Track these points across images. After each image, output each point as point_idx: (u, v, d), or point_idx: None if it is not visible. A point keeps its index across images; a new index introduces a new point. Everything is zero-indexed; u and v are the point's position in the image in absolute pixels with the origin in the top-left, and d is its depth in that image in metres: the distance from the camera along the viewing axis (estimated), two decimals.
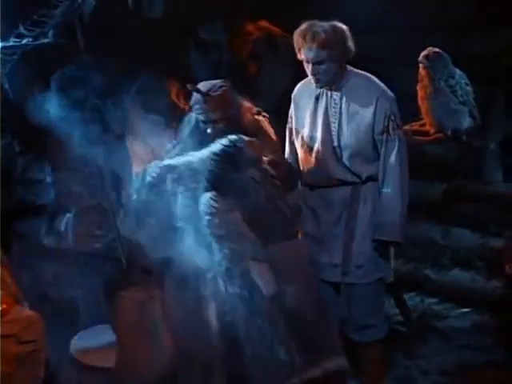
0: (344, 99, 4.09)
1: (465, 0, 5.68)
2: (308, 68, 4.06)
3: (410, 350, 4.84)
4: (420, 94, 4.76)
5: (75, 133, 4.81)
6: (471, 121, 4.81)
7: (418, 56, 4.82)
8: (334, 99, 4.11)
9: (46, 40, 4.71)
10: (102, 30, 4.81)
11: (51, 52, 4.69)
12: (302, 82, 4.28)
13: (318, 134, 4.14)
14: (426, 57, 4.70)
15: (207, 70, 5.09)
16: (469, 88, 4.82)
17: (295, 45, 4.07)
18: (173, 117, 5.09)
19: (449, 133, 4.76)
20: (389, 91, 4.12)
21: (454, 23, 5.68)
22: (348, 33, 4.07)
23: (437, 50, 4.73)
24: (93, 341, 4.30)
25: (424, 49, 4.94)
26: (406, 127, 4.63)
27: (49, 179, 4.84)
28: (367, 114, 4.05)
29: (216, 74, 4.98)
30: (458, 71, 4.75)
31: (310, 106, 4.18)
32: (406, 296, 5.28)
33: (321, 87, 4.12)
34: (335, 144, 4.10)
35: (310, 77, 4.15)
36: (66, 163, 4.87)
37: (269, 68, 5.44)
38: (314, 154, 4.16)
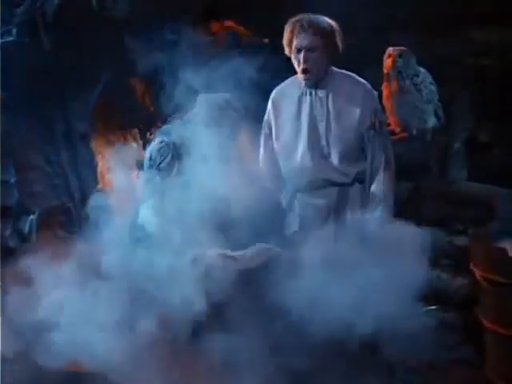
0: (330, 97, 4.07)
1: (428, 0, 5.71)
2: (298, 58, 4.02)
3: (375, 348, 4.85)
4: (385, 92, 4.79)
5: (39, 132, 4.80)
6: (436, 120, 4.84)
7: (383, 56, 4.84)
8: (320, 97, 4.08)
9: (9, 38, 4.67)
10: (65, 28, 4.77)
11: (15, 50, 4.64)
12: (281, 85, 4.24)
13: (303, 135, 4.10)
14: (392, 54, 4.72)
15: (171, 69, 5.06)
16: (433, 87, 4.86)
17: (287, 35, 4.03)
18: (138, 117, 5.08)
19: (414, 132, 4.79)
20: (372, 89, 4.14)
21: (418, 24, 5.71)
22: (340, 31, 4.09)
23: (403, 48, 4.76)
24: (59, 343, 4.25)
25: (388, 47, 4.98)
26: None
27: (12, 180, 4.78)
28: (354, 110, 4.05)
29: (180, 74, 4.96)
30: (422, 70, 4.79)
31: (293, 107, 4.14)
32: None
33: (308, 82, 4.07)
34: (323, 143, 4.08)
35: (290, 79, 4.14)
36: (29, 163, 4.83)
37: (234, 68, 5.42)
38: (298, 156, 4.13)
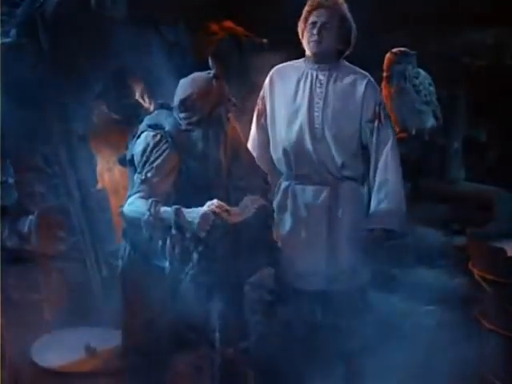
0: (332, 80, 4.06)
1: (426, 1, 5.72)
2: (311, 32, 4.02)
3: (373, 349, 4.86)
4: (384, 92, 4.79)
5: (38, 132, 4.80)
6: (434, 121, 4.85)
7: (380, 56, 4.85)
8: (320, 80, 4.06)
9: (7, 39, 4.66)
10: (64, 29, 4.76)
11: (14, 51, 4.63)
12: (282, 64, 4.22)
13: (300, 115, 4.08)
14: (395, 55, 4.72)
15: (170, 70, 5.06)
16: (432, 88, 4.87)
17: (306, 9, 4.05)
18: (137, 117, 5.07)
19: (412, 132, 4.80)
20: (374, 82, 4.14)
21: (415, 23, 5.72)
22: (354, 27, 4.11)
23: (405, 49, 4.75)
24: (56, 345, 4.26)
25: (386, 48, 4.98)
26: None
27: (11, 180, 4.78)
28: (356, 96, 4.04)
29: (179, 74, 4.96)
30: (421, 72, 4.79)
31: (291, 86, 4.12)
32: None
33: (316, 56, 4.06)
34: (317, 126, 4.05)
35: (292, 61, 4.15)
36: (28, 163, 4.83)
37: (233, 68, 5.43)
38: (293, 136, 4.10)
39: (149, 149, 3.73)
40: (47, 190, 4.87)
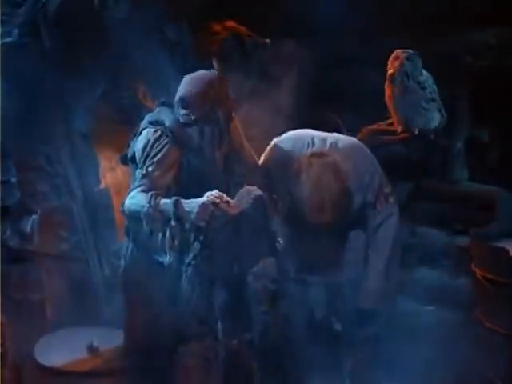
0: None
1: (427, 1, 5.72)
2: None
3: (376, 348, 4.86)
4: (388, 93, 4.79)
5: (40, 132, 4.80)
6: (440, 117, 4.83)
7: (384, 56, 4.84)
8: None
9: (10, 39, 4.66)
10: (66, 29, 4.76)
11: (16, 50, 4.63)
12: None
13: None
14: (400, 57, 4.70)
15: (173, 70, 5.07)
16: (435, 86, 4.86)
17: None
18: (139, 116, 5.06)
19: (416, 132, 4.79)
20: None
21: (417, 24, 5.71)
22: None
23: (410, 50, 4.73)
24: (58, 344, 4.26)
25: (389, 49, 4.97)
26: (374, 126, 4.66)
27: (13, 180, 4.78)
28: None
29: (181, 74, 4.96)
30: (425, 72, 4.78)
31: None
32: None
33: None
34: None
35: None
36: (30, 163, 4.83)
37: (236, 68, 5.43)
38: None
39: (149, 144, 3.77)
40: (50, 190, 4.87)
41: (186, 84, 3.84)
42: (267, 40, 5.40)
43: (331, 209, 3.89)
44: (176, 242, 3.58)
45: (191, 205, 3.60)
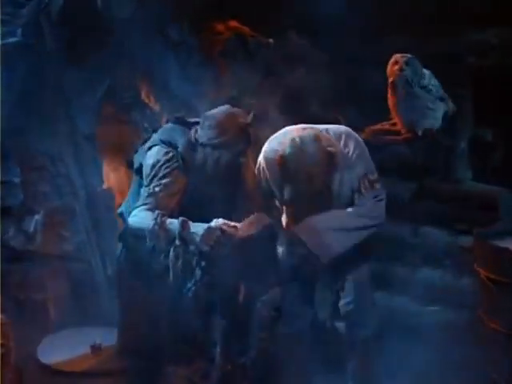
0: None
1: (429, 1, 5.70)
2: None
3: (379, 349, 4.85)
4: (391, 101, 4.76)
5: (43, 132, 4.81)
6: (452, 106, 4.77)
7: (385, 56, 4.83)
8: None
9: (14, 39, 4.67)
10: (69, 29, 4.77)
11: (19, 50, 4.64)
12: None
13: None
14: (399, 62, 4.67)
15: (175, 70, 5.08)
16: (437, 82, 4.84)
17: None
18: (142, 116, 5.08)
19: (419, 132, 4.78)
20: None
21: (419, 24, 5.70)
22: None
23: (409, 55, 4.71)
24: (61, 344, 4.26)
25: (390, 49, 4.96)
26: (377, 126, 4.65)
27: (16, 180, 4.79)
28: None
29: (184, 73, 4.97)
30: (427, 72, 4.76)
31: None
32: (375, 294, 5.29)
33: None
34: None
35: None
36: (33, 163, 4.84)
37: (239, 68, 5.44)
38: None
39: (159, 164, 3.75)
40: (52, 190, 4.89)
41: (221, 110, 3.84)
42: (270, 40, 5.40)
43: (319, 175, 3.87)
44: (179, 262, 3.56)
45: (197, 228, 3.58)
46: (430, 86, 4.79)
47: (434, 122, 4.80)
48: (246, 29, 5.45)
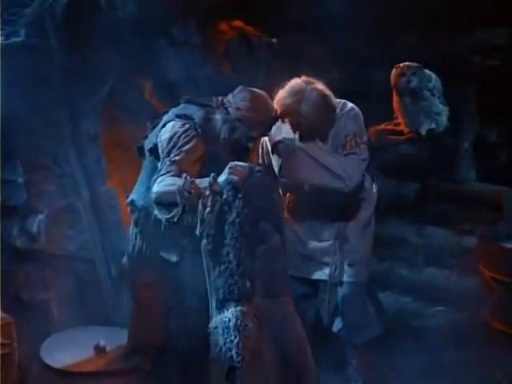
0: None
1: (435, 0, 5.70)
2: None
3: (385, 350, 4.85)
4: (396, 101, 4.74)
5: (47, 132, 4.80)
6: (447, 120, 4.82)
7: (390, 56, 4.82)
8: None
9: (18, 39, 4.66)
10: (74, 29, 4.77)
11: (23, 50, 4.64)
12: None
13: None
14: (406, 74, 4.64)
15: (180, 69, 5.07)
16: (441, 88, 4.84)
17: (277, 111, 4.01)
18: (146, 116, 5.06)
19: (423, 133, 4.77)
20: (359, 112, 4.17)
21: (425, 24, 5.70)
22: (329, 92, 4.07)
23: (414, 64, 4.68)
24: (65, 344, 4.25)
25: (396, 49, 4.94)
26: (381, 126, 4.64)
27: (20, 180, 4.79)
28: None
29: (188, 73, 4.96)
30: (433, 75, 4.74)
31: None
32: (380, 295, 5.29)
33: None
34: None
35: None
36: (37, 163, 4.83)
37: (243, 68, 5.43)
38: None
39: (177, 135, 3.77)
40: (56, 190, 4.87)
41: (260, 92, 3.88)
42: (274, 40, 5.39)
43: (305, 108, 3.96)
44: (208, 210, 3.53)
45: (224, 175, 3.62)
46: (434, 91, 4.78)
47: (439, 124, 4.79)
48: (249, 28, 5.45)
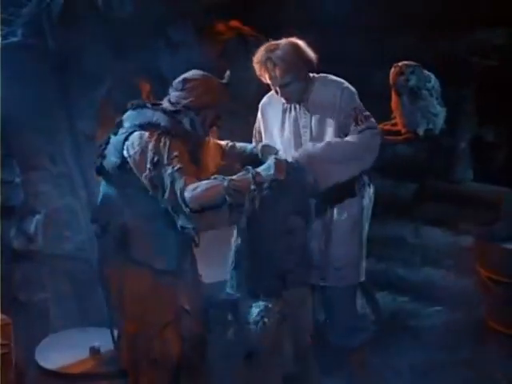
0: (312, 108, 4.08)
1: (433, 0, 5.70)
2: (275, 90, 4.08)
3: (382, 349, 4.85)
4: (395, 101, 4.73)
5: (44, 132, 4.80)
6: (443, 123, 4.83)
7: (389, 56, 4.81)
8: (303, 110, 4.11)
9: (15, 39, 4.67)
10: (71, 29, 4.77)
11: (20, 50, 4.64)
12: (270, 93, 4.23)
13: (287, 144, 4.13)
14: (405, 72, 4.64)
15: (176, 70, 5.07)
16: (440, 90, 4.84)
17: (257, 71, 4.05)
18: None
19: (421, 133, 4.77)
20: (350, 86, 4.14)
21: (424, 23, 5.70)
22: (304, 46, 4.06)
23: (413, 63, 4.68)
24: (61, 345, 4.24)
25: (394, 49, 4.93)
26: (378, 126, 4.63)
27: (18, 180, 4.79)
28: (333, 112, 4.06)
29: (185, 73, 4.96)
30: (432, 76, 4.74)
31: (278, 117, 4.18)
32: (377, 295, 5.29)
33: (290, 104, 4.13)
34: None
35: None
36: (34, 163, 4.84)
37: (240, 68, 5.43)
38: None
39: (151, 147, 3.53)
40: (53, 190, 4.88)
41: (195, 72, 3.83)
42: (271, 40, 5.38)
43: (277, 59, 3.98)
44: (256, 205, 3.50)
45: (263, 166, 3.61)
46: (432, 91, 4.77)
47: (435, 125, 4.79)
48: (246, 29, 5.44)
